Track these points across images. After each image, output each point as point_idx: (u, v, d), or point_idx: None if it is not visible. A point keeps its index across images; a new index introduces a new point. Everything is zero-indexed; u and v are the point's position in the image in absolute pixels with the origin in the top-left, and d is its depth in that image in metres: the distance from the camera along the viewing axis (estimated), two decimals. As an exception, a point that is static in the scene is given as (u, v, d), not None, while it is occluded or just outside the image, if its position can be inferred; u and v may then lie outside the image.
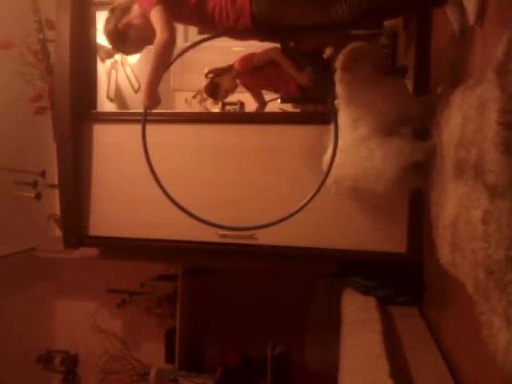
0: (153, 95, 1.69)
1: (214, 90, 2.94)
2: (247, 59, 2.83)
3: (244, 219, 2.37)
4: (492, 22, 1.31)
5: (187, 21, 1.80)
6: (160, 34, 1.54)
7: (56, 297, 3.38)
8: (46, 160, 2.94)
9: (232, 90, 2.98)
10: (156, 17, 1.56)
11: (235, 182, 2.39)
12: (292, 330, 2.88)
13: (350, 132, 1.71)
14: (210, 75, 2.94)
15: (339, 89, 1.78)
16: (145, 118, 1.72)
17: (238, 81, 2.92)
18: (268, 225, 1.68)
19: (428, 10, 2.05)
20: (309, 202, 1.63)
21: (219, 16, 1.62)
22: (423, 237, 2.16)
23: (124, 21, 1.74)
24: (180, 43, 3.85)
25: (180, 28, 3.89)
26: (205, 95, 3.47)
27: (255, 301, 3.01)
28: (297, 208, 1.65)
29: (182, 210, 1.67)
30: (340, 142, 1.63)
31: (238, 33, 1.70)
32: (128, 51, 1.94)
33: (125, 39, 1.77)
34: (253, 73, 2.82)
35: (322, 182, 1.61)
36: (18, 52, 2.67)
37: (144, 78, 1.72)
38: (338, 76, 1.79)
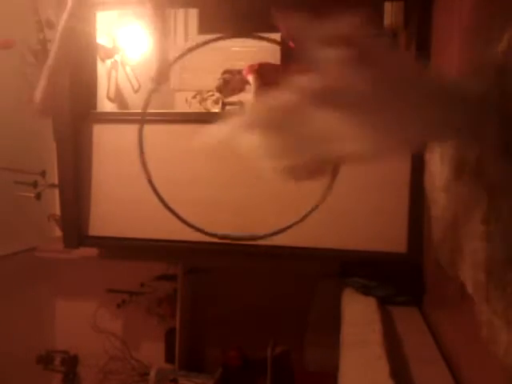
0: None
1: (223, 85, 3.10)
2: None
3: (244, 219, 2.38)
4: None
5: None
6: None
7: (56, 297, 3.38)
8: (46, 160, 2.94)
9: (238, 90, 3.09)
10: None
11: (236, 182, 2.39)
12: (292, 330, 2.88)
13: None
14: (225, 75, 3.08)
15: None
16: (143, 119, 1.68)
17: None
18: (261, 237, 1.64)
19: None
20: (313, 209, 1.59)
21: None
22: (423, 237, 2.16)
23: None
24: (180, 42, 3.86)
25: (180, 27, 3.89)
26: (205, 95, 3.49)
27: (255, 301, 3.01)
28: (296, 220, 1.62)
29: (173, 213, 1.62)
30: None
31: None
32: None
33: None
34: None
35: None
36: (18, 52, 2.67)
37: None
38: None
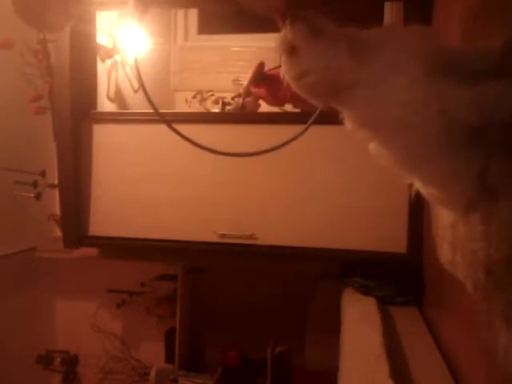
0: None
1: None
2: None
3: (244, 219, 2.38)
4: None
5: None
6: None
7: (56, 297, 3.38)
8: (46, 160, 2.94)
9: (257, 108, 2.95)
10: None
11: (235, 182, 2.39)
12: (292, 330, 2.88)
13: None
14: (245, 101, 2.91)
15: None
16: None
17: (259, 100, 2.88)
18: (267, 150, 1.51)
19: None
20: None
21: None
22: (423, 237, 2.16)
23: None
24: (180, 43, 3.86)
25: (180, 27, 3.89)
26: (205, 95, 3.48)
27: (255, 301, 3.01)
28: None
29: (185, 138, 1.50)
30: None
31: None
32: None
33: None
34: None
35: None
36: (18, 52, 2.67)
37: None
38: None
